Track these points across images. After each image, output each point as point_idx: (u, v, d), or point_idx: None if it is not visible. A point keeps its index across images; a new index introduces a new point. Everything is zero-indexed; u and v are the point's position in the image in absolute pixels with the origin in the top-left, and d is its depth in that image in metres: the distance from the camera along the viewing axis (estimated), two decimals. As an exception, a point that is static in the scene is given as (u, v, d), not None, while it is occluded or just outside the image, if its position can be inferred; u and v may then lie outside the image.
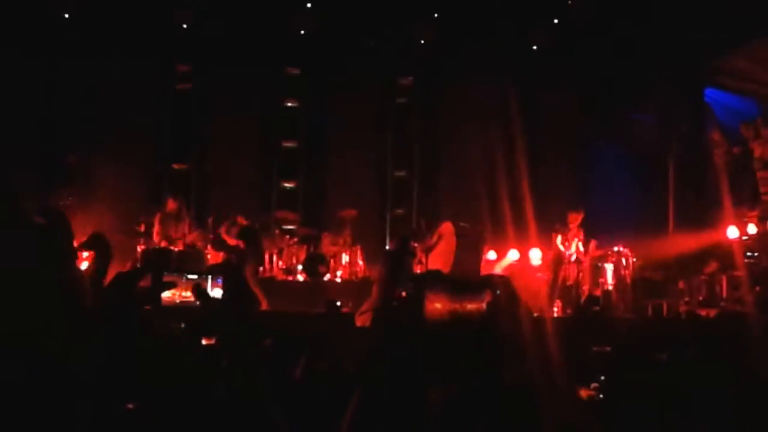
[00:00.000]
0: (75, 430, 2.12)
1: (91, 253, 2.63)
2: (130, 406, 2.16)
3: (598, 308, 11.68)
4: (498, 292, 2.93)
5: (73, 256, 2.58)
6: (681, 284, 12.67)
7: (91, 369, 2.10)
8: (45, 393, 2.09)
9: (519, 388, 2.39)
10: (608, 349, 4.05)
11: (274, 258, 13.36)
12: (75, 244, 2.61)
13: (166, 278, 2.42)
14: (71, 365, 2.16)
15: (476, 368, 2.40)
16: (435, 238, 12.37)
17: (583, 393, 3.81)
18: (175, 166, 14.86)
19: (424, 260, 12.27)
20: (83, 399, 2.14)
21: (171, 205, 12.64)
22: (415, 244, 12.53)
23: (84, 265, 2.77)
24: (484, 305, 3.07)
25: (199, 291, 2.24)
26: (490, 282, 2.86)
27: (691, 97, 14.38)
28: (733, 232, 12.61)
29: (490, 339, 2.45)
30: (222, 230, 12.36)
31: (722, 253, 12.56)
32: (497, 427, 2.29)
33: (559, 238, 12.64)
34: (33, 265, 2.28)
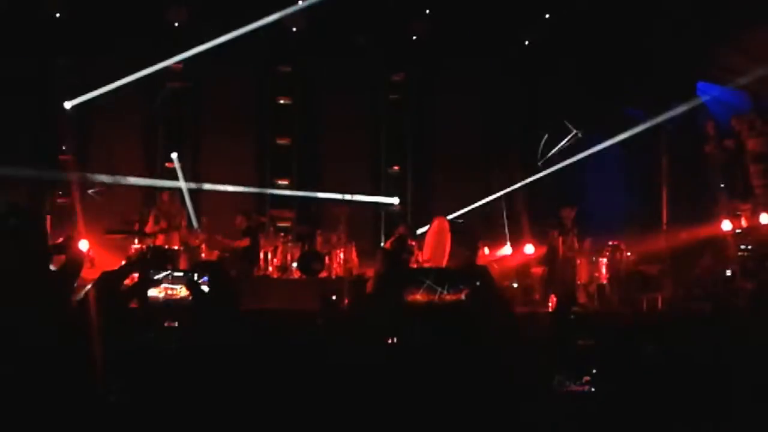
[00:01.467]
0: (63, 421, 2.14)
1: (62, 257, 2.65)
2: (112, 398, 2.18)
3: (576, 308, 11.68)
4: (477, 283, 2.95)
5: (46, 256, 2.59)
6: (675, 278, 12.69)
7: (74, 364, 2.12)
8: (33, 386, 2.11)
9: (491, 377, 2.40)
10: (592, 343, 4.07)
11: (269, 256, 13.37)
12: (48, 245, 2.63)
13: (153, 276, 2.43)
14: (56, 361, 2.17)
15: (452, 355, 2.42)
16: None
17: (575, 388, 3.84)
18: (169, 165, 14.84)
19: (420, 258, 12.29)
20: (70, 392, 2.15)
21: (165, 198, 12.65)
22: (412, 242, 12.57)
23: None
24: (463, 296, 3.11)
25: (193, 284, 2.26)
26: (471, 273, 2.88)
27: (683, 90, 14.37)
28: (726, 225, 12.64)
29: (467, 328, 2.47)
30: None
31: (716, 246, 12.59)
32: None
33: (554, 234, 12.67)
34: (6, 265, 2.31)
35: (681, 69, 13.89)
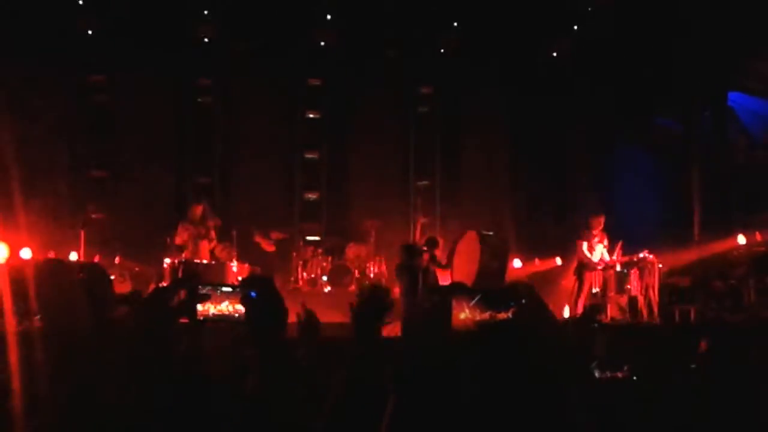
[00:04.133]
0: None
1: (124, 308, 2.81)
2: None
3: (600, 317, 11.63)
4: (523, 301, 2.95)
5: (110, 304, 2.75)
6: (707, 290, 12.56)
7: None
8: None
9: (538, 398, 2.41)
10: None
11: (299, 269, 13.42)
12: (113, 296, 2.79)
13: (201, 291, 2.46)
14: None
15: (502, 375, 2.42)
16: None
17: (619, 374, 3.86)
18: (199, 179, 14.94)
19: (451, 269, 12.28)
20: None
21: (196, 210, 12.72)
22: (437, 253, 12.56)
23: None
24: (510, 314, 3.11)
25: (247, 300, 2.29)
26: (516, 291, 2.88)
27: (714, 101, 14.29)
28: (756, 237, 12.53)
29: (516, 346, 2.46)
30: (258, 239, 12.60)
31: (749, 258, 12.46)
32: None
33: (584, 245, 12.60)
34: (77, 315, 2.47)
35: (713, 79, 13.82)
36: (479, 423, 2.38)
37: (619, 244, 12.59)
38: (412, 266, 10.97)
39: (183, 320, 2.45)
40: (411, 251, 11.33)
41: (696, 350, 4.63)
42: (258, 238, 13.32)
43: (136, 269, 12.52)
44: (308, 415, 2.21)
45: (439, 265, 12.21)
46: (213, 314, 2.42)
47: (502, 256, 12.96)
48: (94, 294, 2.50)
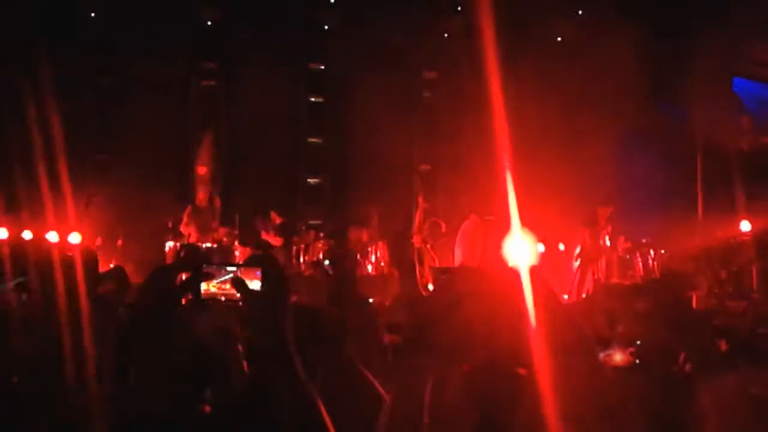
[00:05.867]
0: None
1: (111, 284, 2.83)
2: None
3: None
4: (528, 281, 2.93)
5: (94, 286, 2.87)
6: (710, 276, 12.55)
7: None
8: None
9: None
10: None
11: (300, 253, 13.41)
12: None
13: (205, 270, 2.43)
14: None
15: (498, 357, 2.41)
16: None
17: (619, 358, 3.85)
18: (203, 164, 14.93)
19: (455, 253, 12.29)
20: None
21: (201, 196, 12.71)
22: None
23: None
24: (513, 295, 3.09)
25: (239, 283, 2.24)
26: (518, 272, 2.85)
27: (719, 86, 14.23)
28: (745, 225, 12.50)
29: (518, 328, 2.45)
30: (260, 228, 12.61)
31: (753, 244, 12.44)
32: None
33: (586, 233, 12.58)
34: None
35: (718, 65, 13.76)
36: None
37: (621, 238, 12.59)
38: (403, 254, 11.12)
39: (184, 301, 2.43)
40: (398, 242, 11.45)
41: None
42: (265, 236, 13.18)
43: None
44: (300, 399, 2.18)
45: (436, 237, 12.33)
46: (216, 293, 2.38)
47: (503, 241, 12.96)
48: (85, 271, 2.54)
